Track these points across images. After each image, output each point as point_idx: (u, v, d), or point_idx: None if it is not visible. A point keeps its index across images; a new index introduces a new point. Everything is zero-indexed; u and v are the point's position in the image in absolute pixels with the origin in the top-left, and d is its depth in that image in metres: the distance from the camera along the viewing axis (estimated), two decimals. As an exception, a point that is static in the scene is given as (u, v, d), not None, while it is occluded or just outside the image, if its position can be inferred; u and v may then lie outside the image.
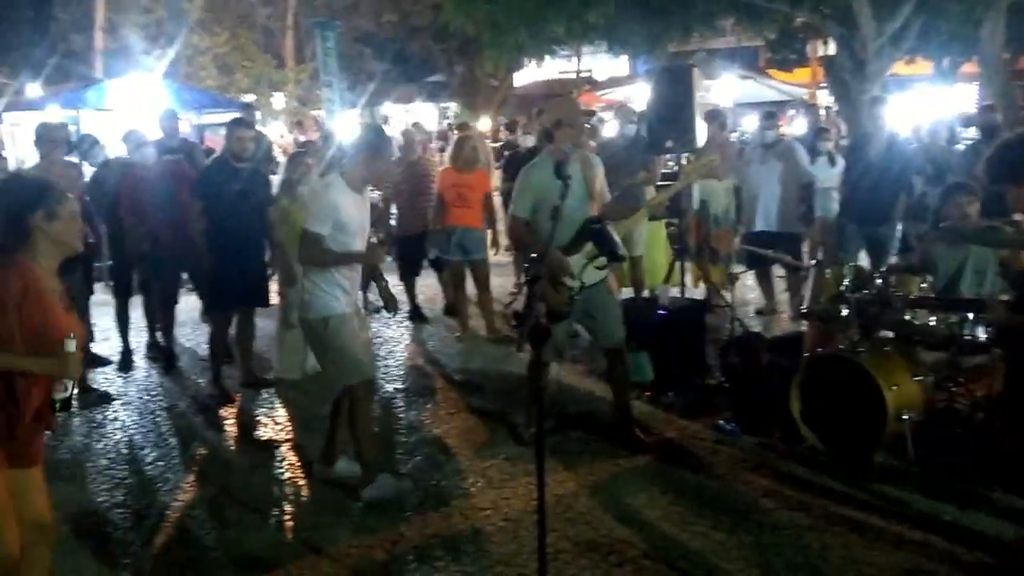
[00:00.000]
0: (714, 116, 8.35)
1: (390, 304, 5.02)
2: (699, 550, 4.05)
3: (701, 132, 7.38)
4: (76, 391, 3.13)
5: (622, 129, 8.33)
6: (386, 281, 5.13)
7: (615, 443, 5.26)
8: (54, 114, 12.32)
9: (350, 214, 4.50)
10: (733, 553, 4.01)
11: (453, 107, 32.06)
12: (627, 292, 7.85)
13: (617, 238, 4.73)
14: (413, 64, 32.88)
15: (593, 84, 26.77)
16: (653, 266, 8.12)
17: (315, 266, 4.54)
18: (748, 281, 8.27)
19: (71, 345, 3.00)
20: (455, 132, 13.02)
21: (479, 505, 4.59)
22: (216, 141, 13.72)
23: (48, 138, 6.51)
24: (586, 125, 7.41)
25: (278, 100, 28.02)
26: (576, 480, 4.80)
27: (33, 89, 19.65)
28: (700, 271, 7.75)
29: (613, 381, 5.38)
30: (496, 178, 10.64)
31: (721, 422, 5.44)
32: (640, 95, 15.83)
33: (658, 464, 5.01)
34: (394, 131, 11.75)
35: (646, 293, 7.94)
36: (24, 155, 11.92)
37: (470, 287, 7.87)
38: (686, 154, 7.63)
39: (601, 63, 28.35)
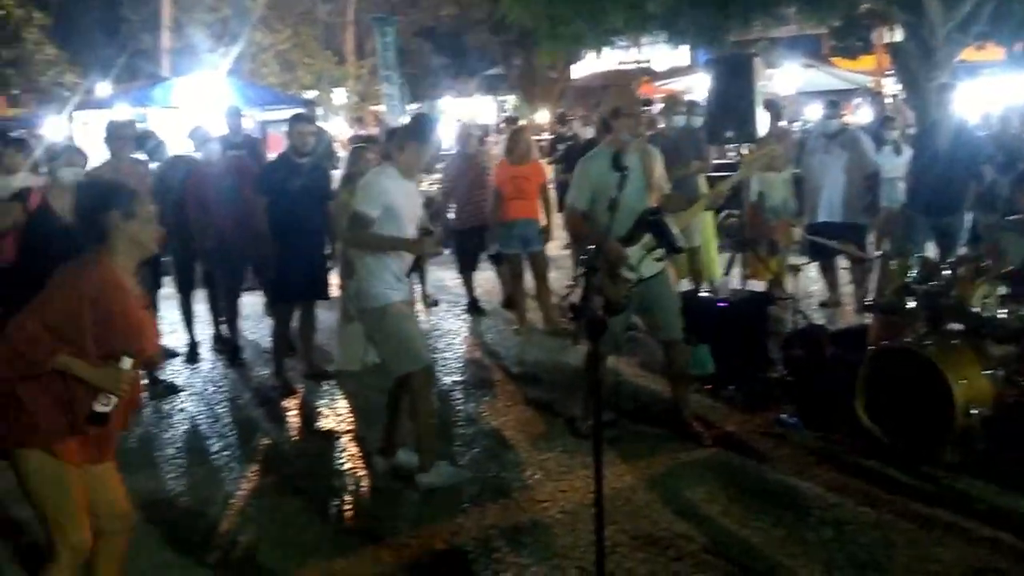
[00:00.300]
0: (770, 106, 8.23)
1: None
2: (760, 546, 4.00)
3: (762, 122, 7.27)
4: (111, 408, 3.07)
5: (670, 120, 8.23)
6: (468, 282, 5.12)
7: (674, 437, 5.22)
8: (123, 112, 12.63)
9: (400, 202, 4.56)
10: (795, 549, 3.95)
11: (511, 100, 32.10)
12: (685, 284, 7.80)
13: (676, 229, 4.68)
14: (471, 57, 33.00)
15: (652, 75, 26.51)
16: (711, 258, 8.03)
17: (361, 249, 4.62)
18: (811, 273, 8.13)
19: (127, 363, 3.03)
20: (504, 126, 13.03)
21: (537, 497, 4.59)
22: (277, 138, 13.95)
23: (117, 135, 6.67)
24: (644, 115, 7.35)
25: (339, 96, 28.35)
26: (634, 473, 4.78)
27: (103, 88, 20.21)
28: (759, 263, 7.65)
29: (672, 374, 5.34)
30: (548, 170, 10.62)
31: (783, 416, 5.36)
32: (700, 85, 15.63)
33: (718, 458, 4.96)
34: (451, 124, 11.77)
35: (705, 285, 7.86)
36: (94, 151, 12.23)
37: (528, 280, 7.87)
38: (746, 144, 7.53)
39: (660, 54, 28.07)
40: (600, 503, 3.20)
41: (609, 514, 3.85)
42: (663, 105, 8.95)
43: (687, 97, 10.04)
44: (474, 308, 8.54)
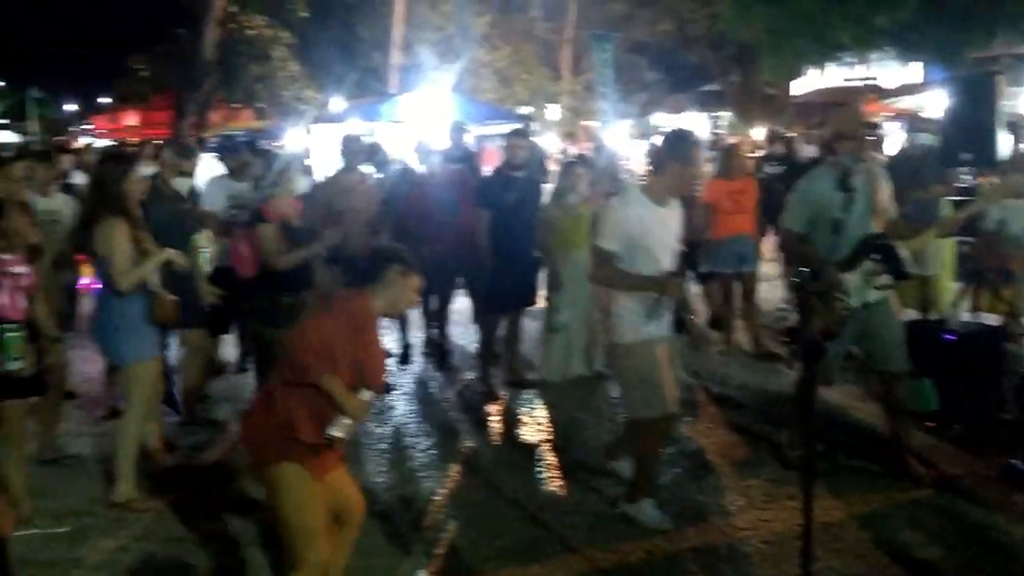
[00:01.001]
0: (1013, 128, 7.58)
1: (698, 341, 4.80)
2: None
3: (1004, 145, 6.71)
4: (344, 435, 3.29)
5: (912, 139, 7.76)
6: (692, 314, 4.91)
7: (889, 475, 4.93)
8: (355, 126, 13.44)
9: (648, 229, 4.19)
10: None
11: (725, 116, 31.42)
12: (912, 314, 7.33)
13: (905, 254, 4.40)
14: (686, 73, 32.62)
15: (879, 92, 25.15)
16: (946, 287, 7.51)
17: (605, 286, 4.36)
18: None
19: (366, 395, 3.25)
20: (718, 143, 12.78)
21: (738, 524, 4.47)
22: (493, 152, 14.38)
23: (349, 148, 7.14)
24: (870, 137, 6.96)
25: (553, 111, 28.87)
26: (845, 509, 4.55)
27: (336, 103, 21.61)
28: (993, 296, 7.06)
29: (890, 408, 5.03)
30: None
31: (1015, 462, 4.92)
32: (932, 104, 14.69)
33: (938, 501, 4.63)
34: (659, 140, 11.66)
35: (933, 315, 7.34)
36: (328, 161, 13.09)
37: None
38: (985, 168, 6.98)
39: (888, 71, 26.60)
40: (808, 534, 3.06)
41: (816, 549, 3.65)
42: (905, 123, 8.45)
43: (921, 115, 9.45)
44: (679, 327, 8.38)
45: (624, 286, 4.25)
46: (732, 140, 8.10)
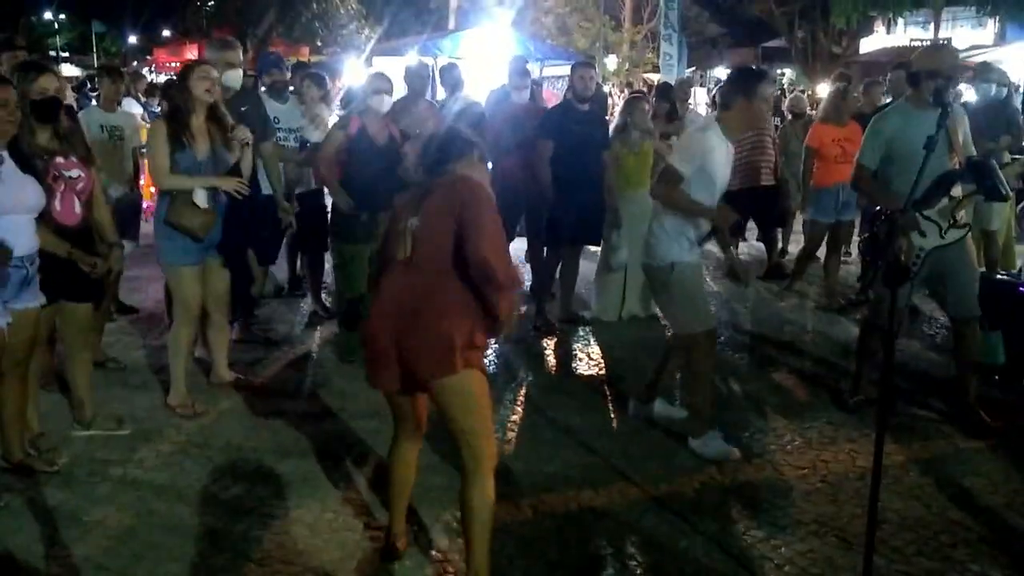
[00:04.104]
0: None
1: (743, 277, 4.87)
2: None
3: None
4: None
5: (981, 89, 7.45)
6: (734, 250, 4.93)
7: (954, 422, 4.82)
8: (413, 59, 13.31)
9: (718, 164, 4.31)
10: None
11: (788, 72, 30.74)
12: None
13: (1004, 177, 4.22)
14: (750, 28, 31.90)
15: (951, 51, 24.33)
16: (1009, 245, 7.29)
17: (665, 204, 4.41)
18: None
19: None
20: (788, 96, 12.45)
21: (795, 463, 4.39)
22: (551, 94, 14.19)
23: (416, 75, 7.06)
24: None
25: (611, 62, 28.42)
26: (906, 453, 4.45)
27: (394, 41, 21.46)
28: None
29: (959, 355, 4.89)
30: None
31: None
32: (1008, 60, 14.18)
33: (1002, 450, 4.51)
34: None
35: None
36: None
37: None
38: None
39: (960, 32, 25.74)
40: (878, 470, 2.97)
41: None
42: (972, 71, 8.12)
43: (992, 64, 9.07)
44: (733, 274, 8.25)
45: (685, 209, 4.34)
46: (840, 84, 7.76)
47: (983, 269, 7.13)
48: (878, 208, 4.69)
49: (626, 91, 20.14)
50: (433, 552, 3.57)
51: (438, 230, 3.06)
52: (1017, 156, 7.08)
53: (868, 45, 28.38)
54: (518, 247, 8.36)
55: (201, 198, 4.76)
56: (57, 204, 4.17)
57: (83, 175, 4.28)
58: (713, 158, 4.28)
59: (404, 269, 3.18)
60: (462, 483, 3.20)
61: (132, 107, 8.89)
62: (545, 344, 6.39)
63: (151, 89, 12.61)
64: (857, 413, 4.95)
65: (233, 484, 4.16)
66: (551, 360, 6.13)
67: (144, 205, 7.83)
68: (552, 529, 3.75)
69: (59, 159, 4.19)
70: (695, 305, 4.44)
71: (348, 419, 4.94)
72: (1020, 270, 6.05)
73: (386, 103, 5.73)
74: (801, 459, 4.45)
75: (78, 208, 4.27)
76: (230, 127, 4.93)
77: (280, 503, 3.97)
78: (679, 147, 4.45)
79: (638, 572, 3.43)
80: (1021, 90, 7.31)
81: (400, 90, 6.80)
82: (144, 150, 7.05)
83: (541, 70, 15.56)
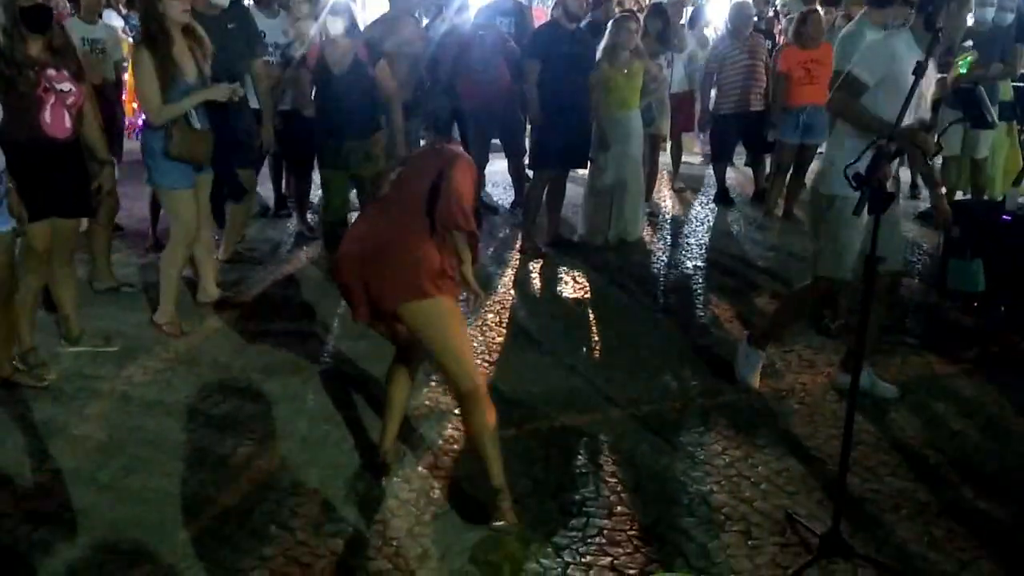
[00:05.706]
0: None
1: (942, 221, 4.42)
2: (1018, 467, 3.72)
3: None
4: None
5: (977, 12, 7.31)
6: (939, 190, 4.41)
7: (928, 349, 4.92)
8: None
9: (906, 75, 3.28)
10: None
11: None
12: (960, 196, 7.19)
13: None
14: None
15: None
16: (998, 170, 7.29)
17: (844, 118, 3.99)
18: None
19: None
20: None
21: (775, 386, 4.48)
22: (541, 12, 13.87)
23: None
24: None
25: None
26: (883, 378, 4.51)
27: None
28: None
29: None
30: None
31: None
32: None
33: (978, 375, 4.61)
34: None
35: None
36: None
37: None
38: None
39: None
40: (854, 392, 3.04)
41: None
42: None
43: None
44: (723, 198, 8.26)
45: (864, 125, 3.80)
46: (809, 7, 7.65)
47: (970, 196, 7.20)
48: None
49: (617, 10, 19.78)
50: (420, 469, 3.64)
51: (419, 177, 3.26)
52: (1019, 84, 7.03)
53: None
54: (496, 169, 8.32)
55: (196, 120, 4.72)
56: (47, 116, 4.13)
57: (74, 89, 4.23)
58: (900, 67, 3.68)
59: (377, 210, 3.46)
60: (461, 410, 3.28)
61: (113, 19, 8.69)
62: (531, 267, 6.41)
63: (131, 1, 12.28)
64: (838, 338, 5.02)
65: (222, 401, 4.21)
66: (536, 283, 6.16)
67: (127, 122, 7.73)
68: (536, 448, 3.83)
69: (50, 71, 4.13)
70: (836, 250, 4.03)
71: (335, 339, 4.98)
72: (1001, 199, 6.07)
73: (339, 26, 5.37)
74: (780, 382, 4.53)
75: (68, 122, 4.22)
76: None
77: (268, 420, 4.04)
78: (863, 53, 3.97)
79: (619, 489, 3.51)
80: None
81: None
82: (126, 64, 6.94)
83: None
